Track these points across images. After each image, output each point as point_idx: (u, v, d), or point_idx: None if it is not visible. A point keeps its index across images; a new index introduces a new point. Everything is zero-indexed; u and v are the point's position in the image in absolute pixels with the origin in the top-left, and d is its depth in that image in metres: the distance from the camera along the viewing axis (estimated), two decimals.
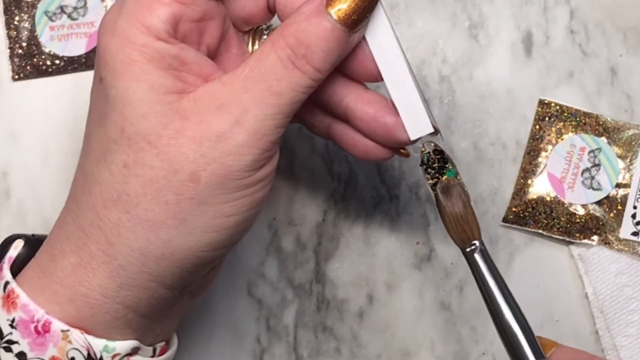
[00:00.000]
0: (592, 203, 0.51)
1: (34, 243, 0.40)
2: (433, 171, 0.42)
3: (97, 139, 0.37)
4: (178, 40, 0.37)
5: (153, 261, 0.36)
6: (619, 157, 0.51)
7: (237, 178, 0.36)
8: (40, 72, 0.51)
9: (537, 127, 0.52)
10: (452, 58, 0.52)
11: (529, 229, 0.51)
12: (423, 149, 0.42)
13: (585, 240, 0.51)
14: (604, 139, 0.51)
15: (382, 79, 0.40)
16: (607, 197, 0.51)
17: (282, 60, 0.36)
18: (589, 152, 0.51)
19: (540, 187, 0.51)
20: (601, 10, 0.53)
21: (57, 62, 0.51)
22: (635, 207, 0.51)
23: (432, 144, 0.42)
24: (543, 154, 0.51)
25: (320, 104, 0.41)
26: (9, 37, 0.51)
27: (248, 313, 0.51)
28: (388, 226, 0.51)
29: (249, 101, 0.36)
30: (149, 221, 0.36)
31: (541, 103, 0.52)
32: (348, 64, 0.39)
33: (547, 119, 0.52)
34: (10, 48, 0.51)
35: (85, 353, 0.37)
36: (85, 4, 0.51)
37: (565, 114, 0.52)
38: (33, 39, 0.51)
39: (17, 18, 0.51)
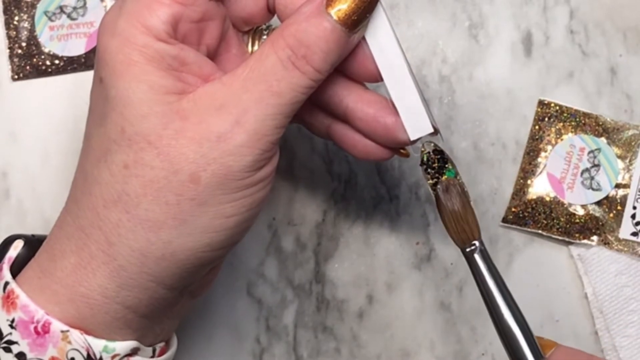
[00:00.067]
0: (592, 203, 0.51)
1: (33, 243, 0.40)
2: (433, 171, 0.42)
3: (97, 139, 0.37)
4: (178, 40, 0.37)
5: (153, 261, 0.36)
6: (619, 157, 0.51)
7: (238, 178, 0.36)
8: (39, 72, 0.51)
9: (537, 127, 0.52)
10: (452, 58, 0.52)
11: (529, 229, 0.51)
12: (423, 149, 0.42)
13: (585, 241, 0.51)
14: (603, 140, 0.51)
15: (382, 79, 0.40)
16: (607, 198, 0.51)
17: (282, 61, 0.36)
18: (589, 153, 0.51)
19: (539, 187, 0.51)
20: (601, 10, 0.53)
21: (57, 62, 0.51)
22: (634, 208, 0.51)
23: (432, 144, 0.42)
24: (543, 154, 0.51)
25: (320, 105, 0.41)
26: (9, 37, 0.51)
27: (248, 313, 0.51)
28: (388, 226, 0.52)
29: (249, 101, 0.36)
30: (149, 221, 0.36)
31: (541, 103, 0.52)
32: (348, 64, 0.39)
33: (546, 119, 0.52)
34: (9, 48, 0.51)
35: (85, 353, 0.37)
36: (85, 4, 0.51)
37: (565, 114, 0.52)
38: (32, 39, 0.51)
39: (16, 18, 0.51)
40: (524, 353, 0.40)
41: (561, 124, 0.51)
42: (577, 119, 0.51)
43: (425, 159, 0.42)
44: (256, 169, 0.37)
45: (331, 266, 0.51)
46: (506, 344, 0.40)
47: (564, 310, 0.51)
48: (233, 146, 0.36)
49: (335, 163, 0.52)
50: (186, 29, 0.38)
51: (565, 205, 0.51)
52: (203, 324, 0.51)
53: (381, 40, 0.39)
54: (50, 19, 0.51)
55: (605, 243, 0.51)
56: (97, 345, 0.37)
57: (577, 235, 0.51)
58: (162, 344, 0.41)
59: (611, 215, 0.51)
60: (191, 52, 0.38)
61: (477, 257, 0.42)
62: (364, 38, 0.39)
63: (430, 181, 0.42)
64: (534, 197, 0.51)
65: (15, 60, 0.51)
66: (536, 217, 0.51)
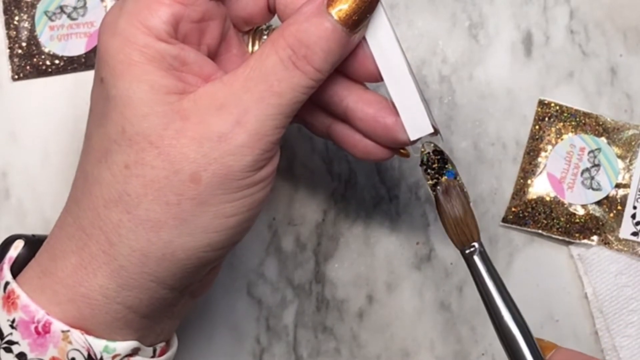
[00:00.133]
0: (592, 203, 0.51)
1: (34, 243, 0.40)
2: (433, 172, 0.42)
3: (98, 139, 0.37)
4: (178, 40, 0.37)
5: (154, 261, 0.36)
6: (619, 157, 0.51)
7: (238, 178, 0.36)
8: (40, 72, 0.51)
9: (537, 127, 0.52)
10: (452, 58, 0.52)
11: (529, 229, 0.51)
12: (423, 150, 0.42)
13: (585, 241, 0.51)
14: (603, 139, 0.51)
15: (382, 79, 0.40)
16: (607, 197, 0.51)
17: (282, 61, 0.36)
18: (589, 152, 0.51)
19: (539, 187, 0.51)
20: (601, 10, 0.53)
21: (57, 62, 0.51)
22: (634, 207, 0.51)
23: (432, 144, 0.42)
24: (543, 154, 0.51)
25: (321, 105, 0.41)
26: (9, 37, 0.51)
27: (248, 313, 0.51)
28: (388, 226, 0.52)
29: (250, 101, 0.36)
30: (150, 221, 0.36)
31: (541, 103, 0.52)
32: (348, 64, 0.39)
33: (546, 119, 0.52)
34: (10, 48, 0.51)
35: (86, 354, 0.37)
36: (85, 3, 0.51)
37: (565, 114, 0.52)
38: (33, 39, 0.51)
39: (16, 18, 0.51)
40: (524, 355, 0.40)
41: (561, 123, 0.51)
42: (577, 119, 0.52)
43: (425, 159, 0.42)
44: (257, 169, 0.37)
45: (331, 266, 0.51)
46: (506, 347, 0.40)
47: (564, 310, 0.51)
48: (234, 146, 0.36)
49: (335, 163, 0.52)
50: (187, 29, 0.38)
51: (565, 205, 0.51)
52: (203, 324, 0.51)
53: (381, 41, 0.39)
54: (50, 19, 0.51)
55: (606, 243, 0.51)
56: (98, 345, 0.37)
57: (577, 235, 0.51)
58: (162, 344, 0.41)
59: (611, 215, 0.51)
60: (192, 52, 0.38)
61: (476, 258, 0.42)
62: (364, 38, 0.39)
63: (430, 182, 0.42)
64: (534, 197, 0.51)
65: (16, 60, 0.51)
66: (536, 217, 0.51)
